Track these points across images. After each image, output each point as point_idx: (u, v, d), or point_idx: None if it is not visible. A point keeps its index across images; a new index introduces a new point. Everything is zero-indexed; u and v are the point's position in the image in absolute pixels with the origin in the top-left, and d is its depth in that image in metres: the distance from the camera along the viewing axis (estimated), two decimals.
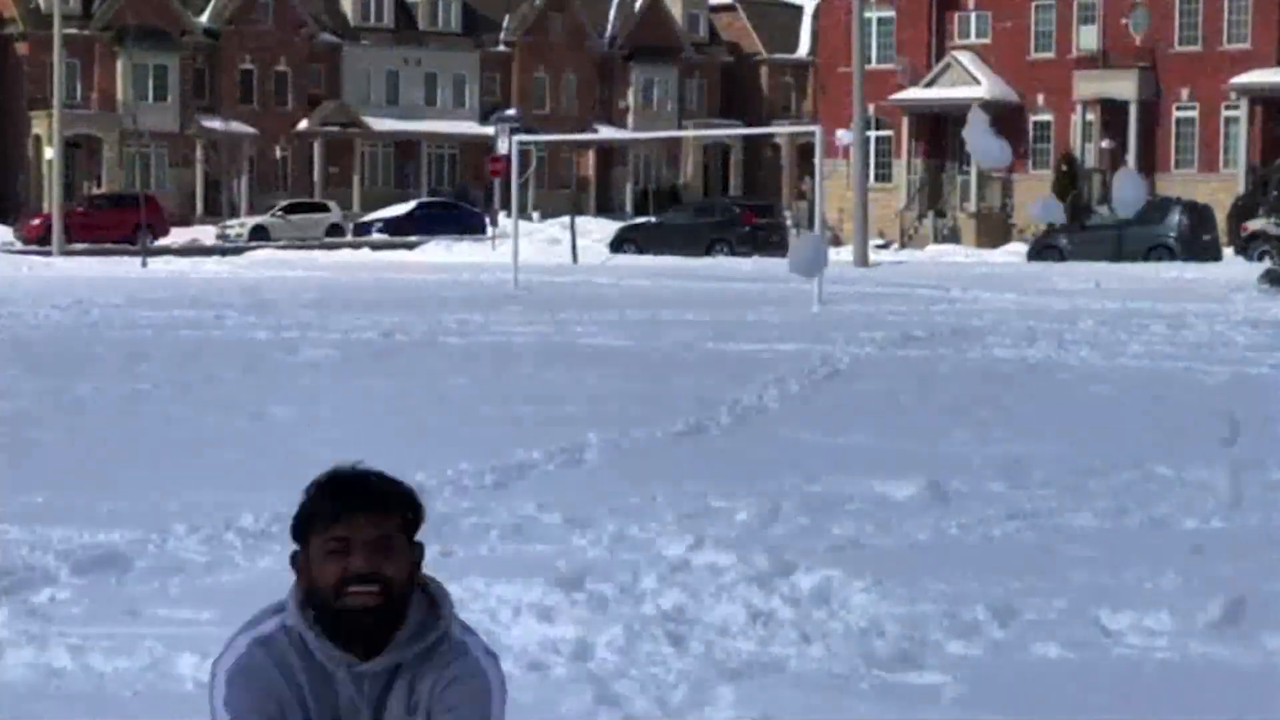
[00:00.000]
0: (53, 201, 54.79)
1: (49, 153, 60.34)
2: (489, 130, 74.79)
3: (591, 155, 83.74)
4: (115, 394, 15.51)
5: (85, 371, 17.15)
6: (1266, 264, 38.75)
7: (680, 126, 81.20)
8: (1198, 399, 15.73)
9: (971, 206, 62.19)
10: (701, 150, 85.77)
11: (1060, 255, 48.24)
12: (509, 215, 41.09)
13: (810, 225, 50.55)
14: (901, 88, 63.14)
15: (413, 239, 60.42)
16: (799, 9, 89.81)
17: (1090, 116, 60.89)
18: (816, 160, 33.63)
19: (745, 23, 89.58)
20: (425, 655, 3.28)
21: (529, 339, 21.67)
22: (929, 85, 63.18)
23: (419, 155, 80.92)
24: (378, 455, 12.16)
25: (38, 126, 70.76)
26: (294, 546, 3.37)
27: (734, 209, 57.04)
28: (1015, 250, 53.92)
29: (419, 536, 3.40)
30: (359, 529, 3.25)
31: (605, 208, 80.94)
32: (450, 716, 3.27)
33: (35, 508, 9.77)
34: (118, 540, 8.83)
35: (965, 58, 62.95)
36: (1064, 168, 59.97)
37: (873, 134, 59.44)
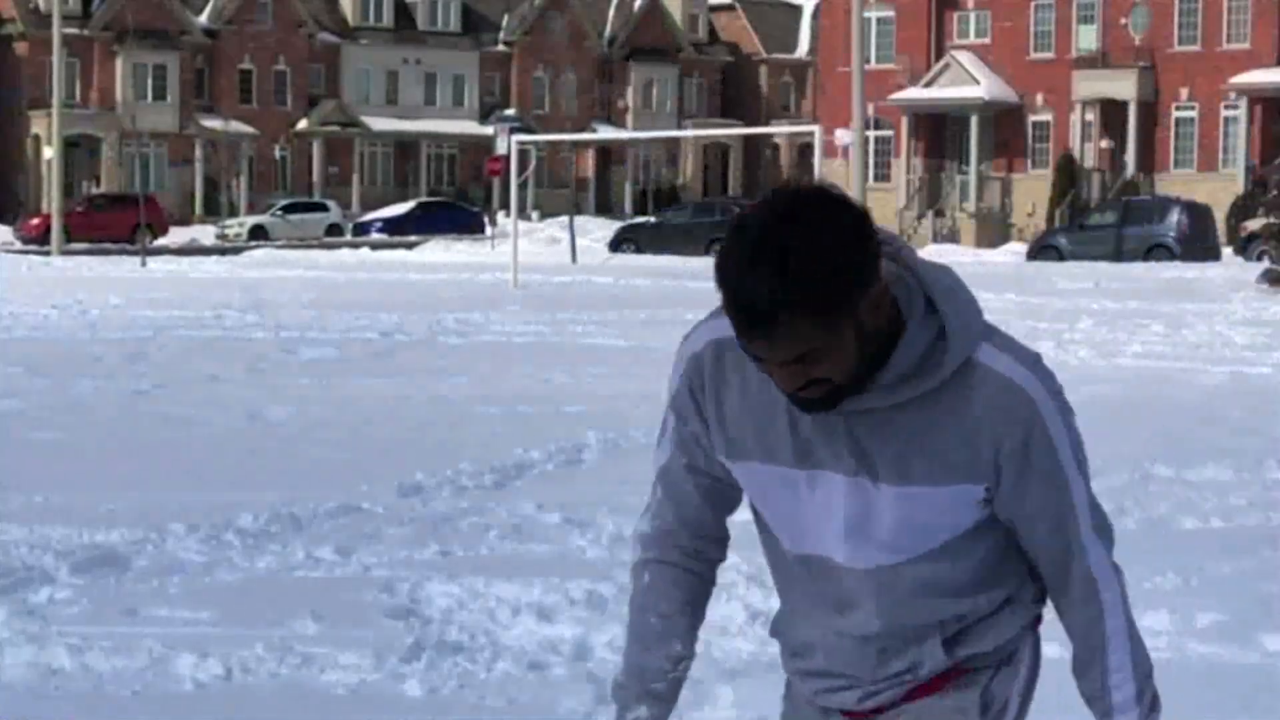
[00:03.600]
0: (52, 201, 54.78)
1: (48, 152, 60.33)
2: (488, 130, 74.84)
3: (591, 155, 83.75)
4: (115, 394, 15.50)
5: (85, 371, 17.14)
6: (1266, 264, 38.76)
7: (680, 126, 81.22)
8: (1197, 399, 15.73)
9: (970, 206, 62.21)
10: (701, 150, 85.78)
11: (1059, 255, 48.27)
12: (508, 215, 41.08)
13: None
14: (901, 87, 63.16)
15: (412, 239, 60.44)
16: (798, 9, 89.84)
17: (1090, 116, 60.91)
18: (816, 160, 33.62)
19: (745, 22, 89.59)
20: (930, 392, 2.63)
21: (529, 339, 21.66)
22: (928, 85, 63.20)
23: (418, 155, 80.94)
24: (377, 455, 12.09)
25: (37, 126, 70.78)
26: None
27: (733, 209, 57.03)
28: (1014, 250, 53.94)
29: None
30: (770, 352, 2.53)
31: (604, 207, 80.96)
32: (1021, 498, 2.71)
33: (35, 507, 9.77)
34: (117, 540, 8.83)
35: (965, 57, 62.96)
36: (1063, 167, 60.01)
37: (872, 134, 59.44)
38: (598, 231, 58.34)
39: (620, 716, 2.97)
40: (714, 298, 2.61)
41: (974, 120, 62.20)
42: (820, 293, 2.46)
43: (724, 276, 2.53)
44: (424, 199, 72.82)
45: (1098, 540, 2.84)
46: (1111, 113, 60.37)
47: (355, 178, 79.02)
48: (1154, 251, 47.22)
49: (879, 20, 63.06)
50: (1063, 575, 2.85)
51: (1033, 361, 2.69)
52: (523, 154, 42.77)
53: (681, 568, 2.93)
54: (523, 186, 48.88)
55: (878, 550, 2.75)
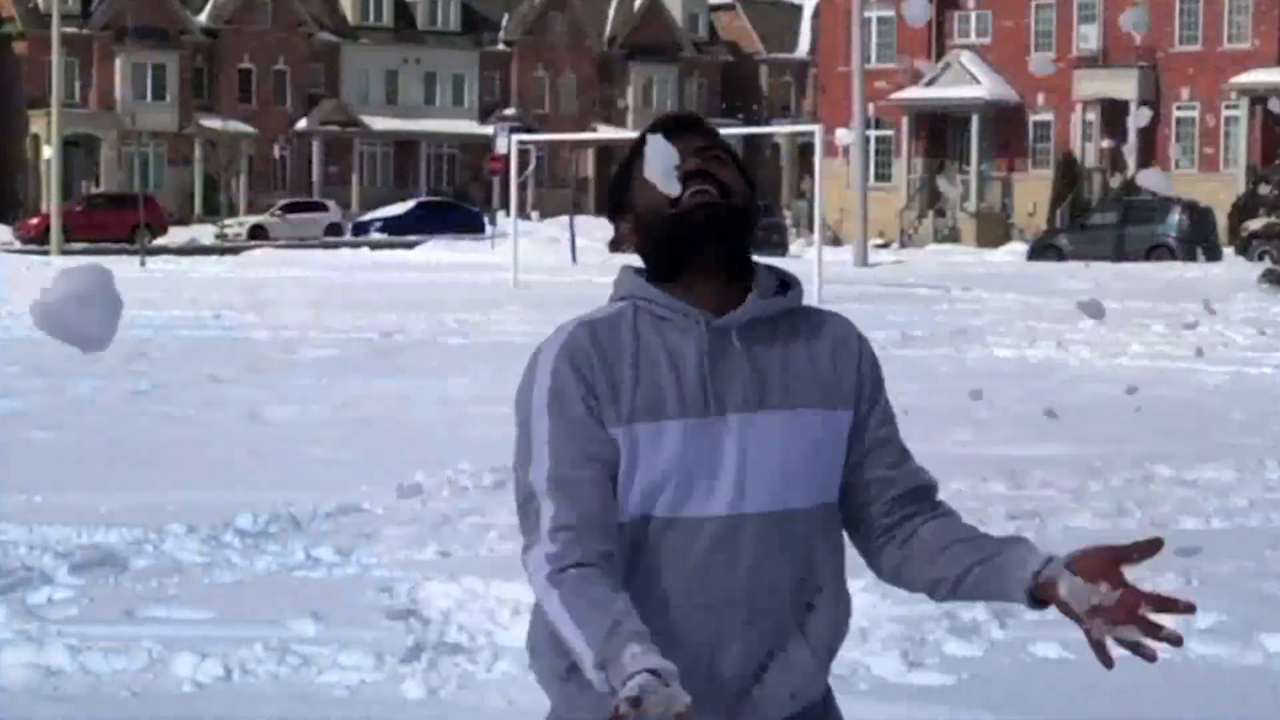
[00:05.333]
0: (51, 201, 54.79)
1: (47, 152, 60.35)
2: (488, 130, 74.81)
3: (591, 155, 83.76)
4: (115, 394, 15.51)
5: (84, 371, 17.14)
6: (1267, 264, 38.76)
7: None
8: (1197, 399, 15.72)
9: (971, 206, 62.21)
10: None
11: (1060, 255, 48.28)
12: (508, 215, 41.09)
13: (810, 225, 50.53)
14: (901, 87, 63.17)
15: (412, 238, 60.42)
16: (799, 8, 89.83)
17: (1090, 116, 60.91)
18: (816, 160, 33.62)
19: (745, 22, 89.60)
20: (787, 315, 2.88)
21: (529, 339, 21.63)
22: (929, 85, 63.19)
23: (418, 155, 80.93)
24: (377, 455, 12.07)
25: (36, 126, 70.77)
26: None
27: None
28: (1015, 250, 53.94)
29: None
30: (686, 141, 2.87)
31: (605, 207, 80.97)
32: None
33: (34, 507, 9.76)
34: (115, 540, 8.83)
35: (965, 57, 62.96)
36: (1064, 167, 60.02)
37: (872, 134, 59.44)
38: (598, 231, 58.31)
39: (619, 663, 2.54)
40: None
41: (975, 120, 62.21)
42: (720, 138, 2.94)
43: (651, 128, 2.91)
44: (424, 199, 72.79)
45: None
46: (1112, 112, 60.37)
47: (355, 177, 79.01)
48: (1155, 251, 47.23)
49: (879, 20, 63.04)
50: (914, 489, 2.94)
51: None
52: (523, 154, 42.77)
53: (601, 569, 2.74)
54: (523, 186, 48.90)
55: (763, 494, 2.80)
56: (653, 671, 2.48)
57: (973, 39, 63.55)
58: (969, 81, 62.53)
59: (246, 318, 24.52)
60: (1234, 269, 40.89)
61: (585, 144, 79.40)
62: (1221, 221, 50.81)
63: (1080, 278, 36.11)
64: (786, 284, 2.91)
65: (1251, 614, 7.41)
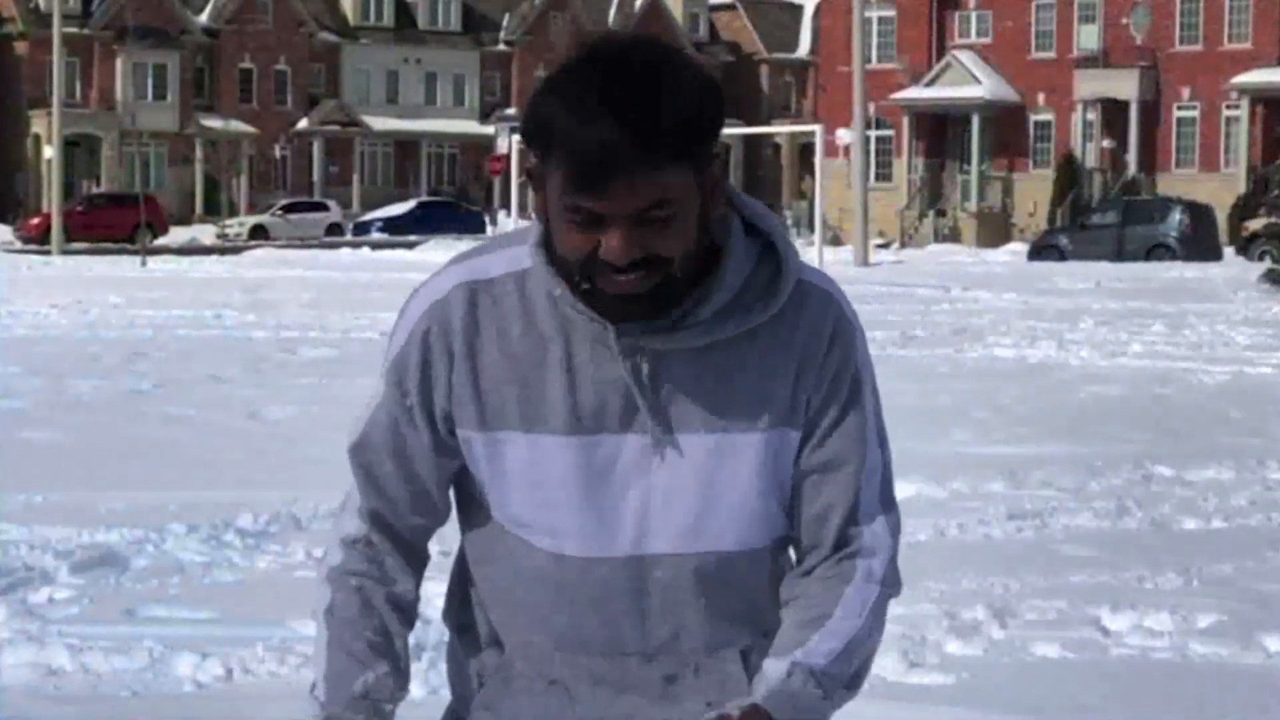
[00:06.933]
0: (52, 200, 54.80)
1: (48, 152, 60.37)
2: (489, 129, 74.82)
3: None
4: (114, 394, 15.50)
5: (84, 371, 17.14)
6: (1267, 264, 38.77)
7: None
8: (1198, 399, 15.72)
9: (972, 206, 62.22)
10: None
11: (1060, 255, 48.29)
12: (509, 214, 41.08)
13: (811, 225, 50.52)
14: (902, 87, 63.17)
15: (412, 238, 60.45)
16: (799, 8, 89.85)
17: (1091, 116, 60.92)
18: (816, 160, 33.61)
19: (745, 22, 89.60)
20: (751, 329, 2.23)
21: None
22: (930, 84, 63.20)
23: (419, 154, 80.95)
24: None
25: (37, 126, 70.80)
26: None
27: None
28: (1015, 250, 53.95)
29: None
30: (623, 197, 2.07)
31: None
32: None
33: (34, 507, 9.76)
34: (116, 540, 8.82)
35: (966, 57, 62.97)
36: (1064, 167, 60.03)
37: (873, 133, 59.43)
38: None
39: None
40: None
41: (975, 120, 62.21)
42: (691, 123, 2.06)
43: (575, 105, 2.06)
44: (424, 199, 72.83)
45: (883, 512, 2.35)
46: (1113, 112, 60.37)
47: (355, 177, 79.03)
48: (1155, 251, 47.25)
49: (880, 20, 63.06)
50: (829, 535, 2.33)
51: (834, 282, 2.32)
52: (523, 154, 42.79)
53: (402, 563, 2.49)
54: (524, 186, 48.88)
55: (676, 535, 2.26)
56: None
57: (973, 39, 63.56)
58: (969, 81, 62.54)
59: (246, 318, 24.51)
60: (1234, 269, 40.88)
61: None
62: (1222, 221, 50.82)
63: (1081, 277, 36.11)
64: (769, 251, 2.24)
65: (1251, 614, 7.41)
